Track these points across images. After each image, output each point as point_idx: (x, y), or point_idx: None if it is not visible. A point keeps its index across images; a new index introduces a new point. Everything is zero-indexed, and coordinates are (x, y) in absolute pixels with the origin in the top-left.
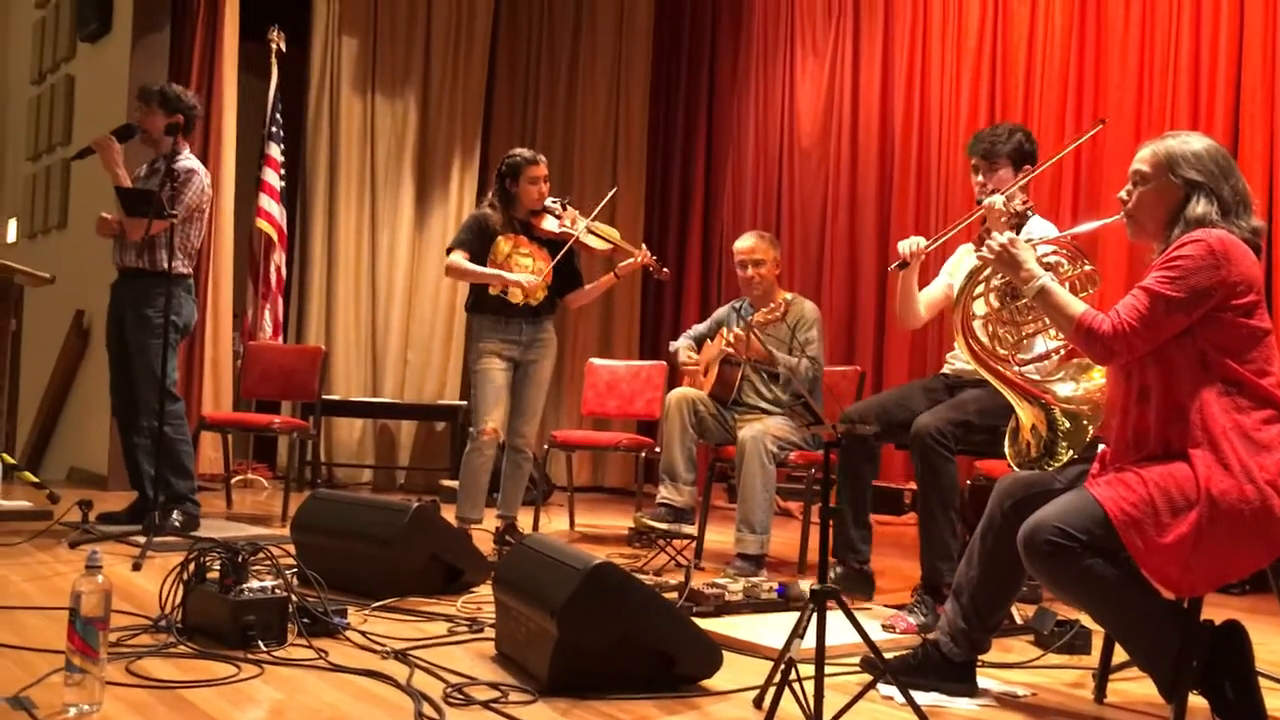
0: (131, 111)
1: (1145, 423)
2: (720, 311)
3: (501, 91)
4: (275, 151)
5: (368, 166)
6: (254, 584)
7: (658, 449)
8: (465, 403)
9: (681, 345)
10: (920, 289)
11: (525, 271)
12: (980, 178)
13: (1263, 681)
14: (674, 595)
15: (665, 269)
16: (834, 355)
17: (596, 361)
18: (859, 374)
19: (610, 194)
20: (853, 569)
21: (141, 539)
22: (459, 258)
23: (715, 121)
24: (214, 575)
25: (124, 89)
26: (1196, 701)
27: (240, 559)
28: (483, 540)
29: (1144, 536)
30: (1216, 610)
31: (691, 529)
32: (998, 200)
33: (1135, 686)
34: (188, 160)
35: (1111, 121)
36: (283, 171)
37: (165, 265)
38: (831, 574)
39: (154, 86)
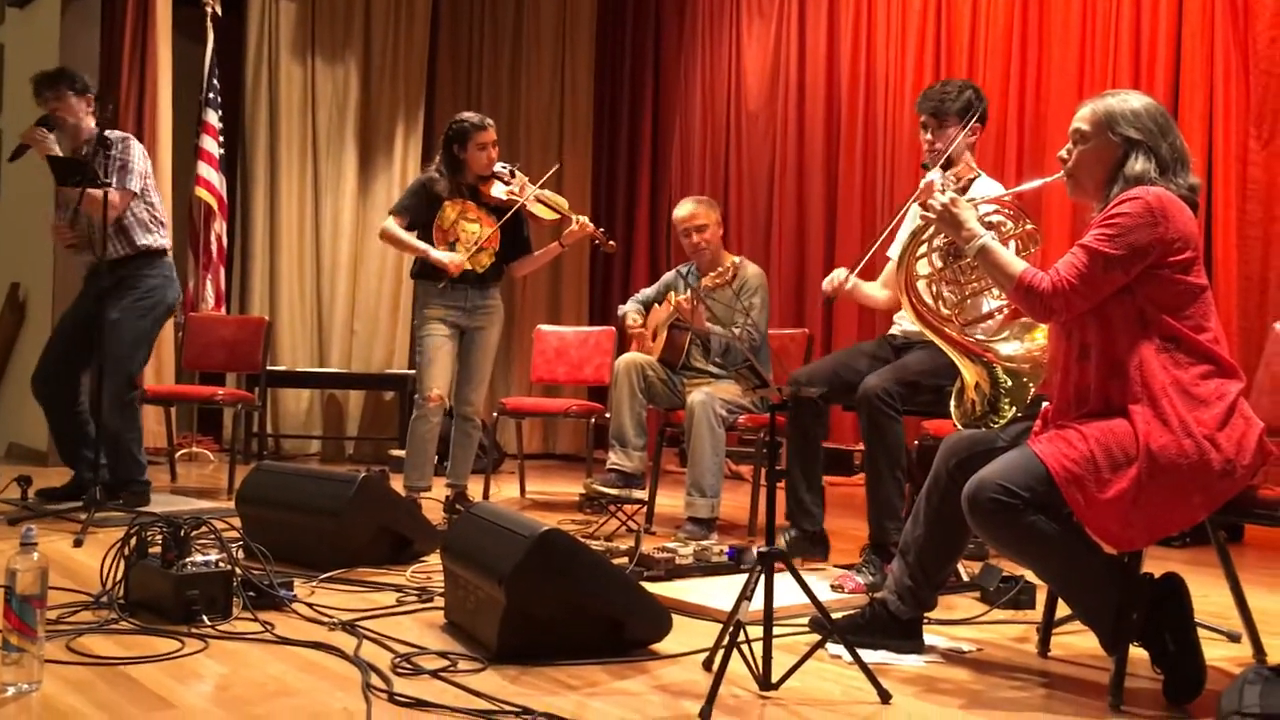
0: (40, 102)
1: (1086, 380)
2: (668, 276)
3: (444, 57)
4: (213, 118)
5: (309, 133)
6: (197, 558)
7: (608, 415)
8: (413, 371)
9: (630, 309)
10: (879, 273)
11: (471, 237)
12: (929, 135)
13: (1202, 632)
14: (625, 560)
15: (611, 242)
16: (782, 318)
17: (545, 328)
18: (807, 337)
19: (553, 170)
20: (804, 532)
21: (83, 515)
22: (393, 224)
23: (662, 86)
24: (156, 550)
25: (55, 55)
26: (1138, 653)
27: (182, 533)
28: (433, 509)
29: (1085, 492)
30: (1157, 563)
31: (642, 494)
32: (936, 177)
33: (1078, 640)
34: (113, 132)
35: (1055, 81)
36: (221, 139)
37: (144, 242)
38: (784, 539)
39: (54, 72)
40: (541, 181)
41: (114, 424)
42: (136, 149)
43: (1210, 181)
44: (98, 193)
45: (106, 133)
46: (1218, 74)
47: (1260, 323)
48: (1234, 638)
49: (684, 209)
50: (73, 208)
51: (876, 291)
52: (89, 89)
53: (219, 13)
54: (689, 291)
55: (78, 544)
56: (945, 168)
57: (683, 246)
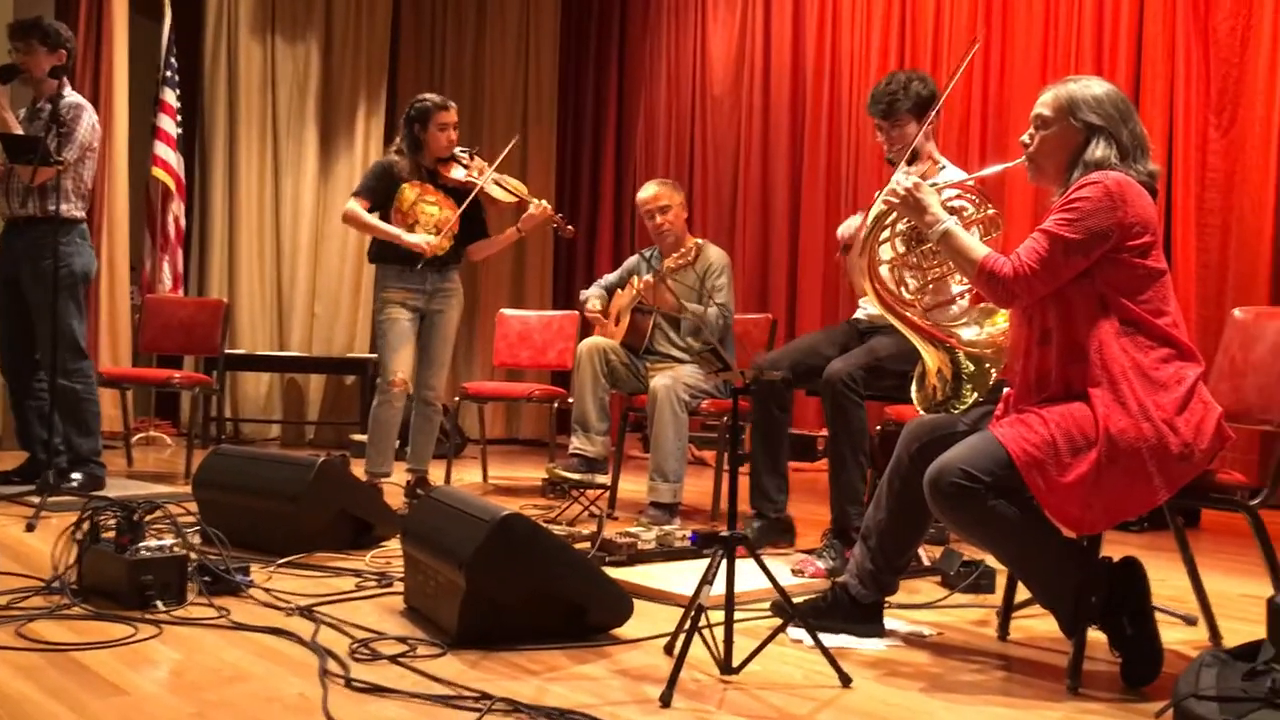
0: (9, 51)
1: (1047, 364)
2: (631, 260)
3: (407, 37)
4: (170, 97)
5: (269, 113)
6: (152, 543)
7: (570, 399)
8: (374, 355)
9: (592, 294)
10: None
11: (431, 220)
12: (883, 136)
13: (1159, 616)
14: (587, 545)
15: (570, 226)
16: (746, 303)
17: (508, 312)
18: (771, 321)
19: (511, 143)
20: (769, 519)
21: (36, 499)
22: (356, 206)
23: (626, 69)
24: (110, 535)
25: (5, 29)
26: (1096, 636)
27: (136, 517)
28: (394, 494)
29: (1045, 476)
30: (1115, 547)
31: (605, 479)
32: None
33: (1038, 623)
34: (72, 96)
35: (1017, 68)
36: (179, 118)
37: (57, 210)
38: (749, 528)
39: (30, 21)
40: (499, 161)
41: (67, 391)
42: (86, 121)
43: (1170, 169)
44: (50, 172)
45: (63, 99)
46: (1179, 62)
47: (1219, 309)
48: (1190, 621)
49: (648, 190)
50: (32, 182)
51: None
52: (61, 44)
53: None
54: (652, 274)
55: (30, 528)
56: (910, 162)
57: (647, 228)
